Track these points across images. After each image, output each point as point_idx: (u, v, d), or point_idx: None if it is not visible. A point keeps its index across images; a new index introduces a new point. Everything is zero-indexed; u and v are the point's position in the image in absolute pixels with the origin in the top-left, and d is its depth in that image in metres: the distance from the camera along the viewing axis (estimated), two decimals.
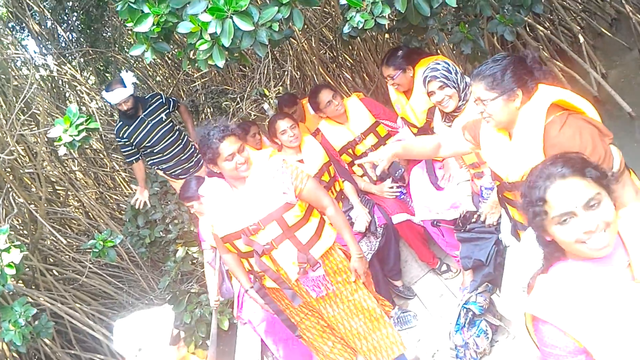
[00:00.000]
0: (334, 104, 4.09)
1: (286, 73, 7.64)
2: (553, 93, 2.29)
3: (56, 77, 8.50)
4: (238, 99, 7.97)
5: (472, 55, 4.02)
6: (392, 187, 4.10)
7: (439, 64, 3.12)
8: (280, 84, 7.51)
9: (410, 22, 3.28)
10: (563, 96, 2.26)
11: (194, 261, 5.34)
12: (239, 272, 3.14)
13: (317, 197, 2.94)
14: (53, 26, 8.58)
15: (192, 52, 3.37)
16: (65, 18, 8.54)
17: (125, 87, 4.80)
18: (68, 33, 8.93)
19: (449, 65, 3.13)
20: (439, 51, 5.82)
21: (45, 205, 6.49)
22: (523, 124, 2.32)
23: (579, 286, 1.53)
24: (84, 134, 3.36)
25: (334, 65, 7.36)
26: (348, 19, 3.02)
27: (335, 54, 7.36)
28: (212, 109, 8.69)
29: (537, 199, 1.57)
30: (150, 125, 5.02)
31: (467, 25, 3.84)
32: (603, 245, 1.51)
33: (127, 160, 5.25)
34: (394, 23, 3.90)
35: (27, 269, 6.12)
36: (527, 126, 2.30)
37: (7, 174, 5.70)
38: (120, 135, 5.04)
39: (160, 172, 5.29)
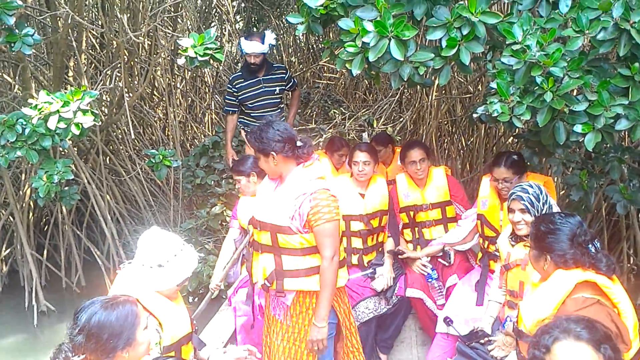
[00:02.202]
0: (416, 166, 4.07)
1: (401, 120, 7.68)
2: (590, 275, 2.26)
3: (213, 6, 8.85)
4: (347, 115, 8.07)
5: (576, 203, 3.90)
6: (425, 266, 4.00)
7: (532, 187, 3.03)
8: (390, 125, 7.55)
9: (540, 140, 3.21)
10: (599, 281, 2.22)
11: (223, 223, 5.40)
12: None
13: (321, 243, 2.82)
14: None
15: (336, 49, 3.44)
16: None
17: (262, 43, 5.01)
18: None
19: (540, 193, 3.02)
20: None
21: (138, 100, 6.75)
22: (548, 285, 2.33)
23: None
24: (207, 58, 3.47)
25: (447, 139, 7.32)
26: (487, 102, 2.99)
27: (453, 130, 7.32)
28: (319, 110, 8.83)
29: (543, 344, 1.54)
30: (262, 90, 5.19)
31: (588, 175, 3.73)
32: None
33: (226, 108, 5.43)
34: (525, 132, 3.83)
35: (88, 141, 6.38)
36: (550, 289, 2.30)
37: (124, 53, 5.95)
38: (233, 84, 5.25)
39: (243, 134, 5.42)
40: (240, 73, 5.29)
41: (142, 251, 2.55)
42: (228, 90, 5.36)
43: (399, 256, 4.04)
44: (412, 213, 4.17)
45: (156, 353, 2.33)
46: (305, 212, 2.78)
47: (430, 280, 3.97)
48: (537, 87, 2.76)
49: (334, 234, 2.83)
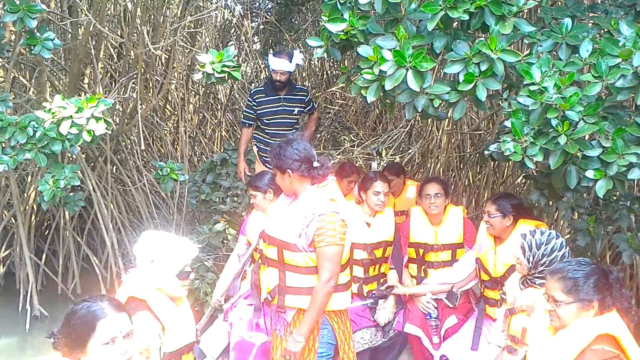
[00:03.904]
0: (429, 200, 4.04)
1: (410, 152, 7.67)
2: (614, 326, 2.22)
3: (232, 25, 8.94)
4: (357, 143, 8.07)
5: (582, 249, 3.86)
6: (429, 303, 3.94)
7: (542, 234, 2.97)
8: (398, 155, 7.54)
9: (550, 182, 3.20)
10: (622, 336, 2.18)
11: (225, 241, 5.36)
12: None
13: (320, 265, 2.85)
14: None
15: (353, 75, 3.45)
16: None
17: (290, 62, 5.06)
18: None
19: (546, 244, 2.93)
20: (552, 226, 5.65)
21: (149, 112, 6.77)
22: (568, 334, 2.27)
23: None
24: (224, 75, 3.48)
25: (455, 174, 7.30)
26: (500, 140, 2.98)
27: (462, 166, 7.30)
28: (328, 136, 8.85)
29: None
30: (281, 107, 5.23)
31: (596, 222, 3.70)
32: None
33: (242, 120, 5.51)
34: (536, 172, 3.82)
35: (97, 149, 6.38)
36: (569, 338, 2.25)
37: (142, 64, 5.99)
38: (253, 97, 5.31)
39: (255, 150, 5.44)
40: (262, 88, 5.37)
41: (137, 253, 2.63)
42: (247, 103, 5.43)
43: (385, 292, 3.96)
44: (421, 250, 4.11)
45: (157, 358, 2.31)
46: (311, 232, 2.83)
47: (429, 318, 3.92)
48: (551, 130, 2.75)
49: (334, 258, 2.84)
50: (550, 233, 3.02)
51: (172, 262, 2.57)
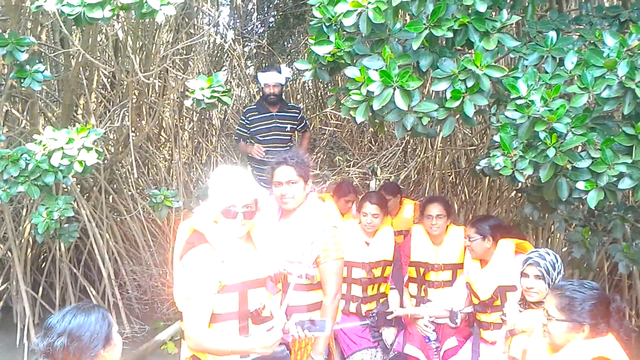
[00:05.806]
0: (431, 221, 4.02)
1: (405, 170, 7.68)
2: (610, 349, 2.23)
3: (225, 50, 9.00)
4: (352, 162, 8.09)
5: (578, 261, 3.85)
6: (427, 326, 3.91)
7: (549, 254, 3.00)
8: (394, 174, 7.55)
9: (543, 195, 3.19)
10: (617, 358, 2.20)
11: None
12: None
13: (327, 280, 2.93)
14: (252, 10, 9.19)
15: (342, 96, 3.46)
16: (265, 10, 9.15)
17: (280, 73, 5.16)
18: (259, 23, 9.53)
19: (556, 262, 2.99)
20: (549, 239, 5.64)
21: (144, 140, 6.78)
22: (564, 356, 2.30)
23: None
24: (214, 100, 3.50)
25: (450, 190, 7.30)
26: (490, 155, 2.99)
27: (457, 182, 7.30)
28: (324, 156, 8.86)
29: None
30: (273, 125, 5.31)
31: (591, 233, 3.69)
32: None
33: (235, 138, 5.64)
34: (528, 186, 3.82)
35: (91, 178, 6.37)
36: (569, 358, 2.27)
37: (132, 92, 6.01)
38: (245, 116, 5.42)
39: (249, 168, 5.45)
40: (255, 106, 5.45)
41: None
42: (240, 122, 5.52)
43: (387, 317, 3.94)
44: (421, 270, 4.09)
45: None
46: (316, 249, 2.87)
47: (428, 341, 3.89)
48: (540, 143, 2.76)
49: (339, 272, 2.95)
50: (547, 251, 3.05)
51: (216, 198, 2.51)
